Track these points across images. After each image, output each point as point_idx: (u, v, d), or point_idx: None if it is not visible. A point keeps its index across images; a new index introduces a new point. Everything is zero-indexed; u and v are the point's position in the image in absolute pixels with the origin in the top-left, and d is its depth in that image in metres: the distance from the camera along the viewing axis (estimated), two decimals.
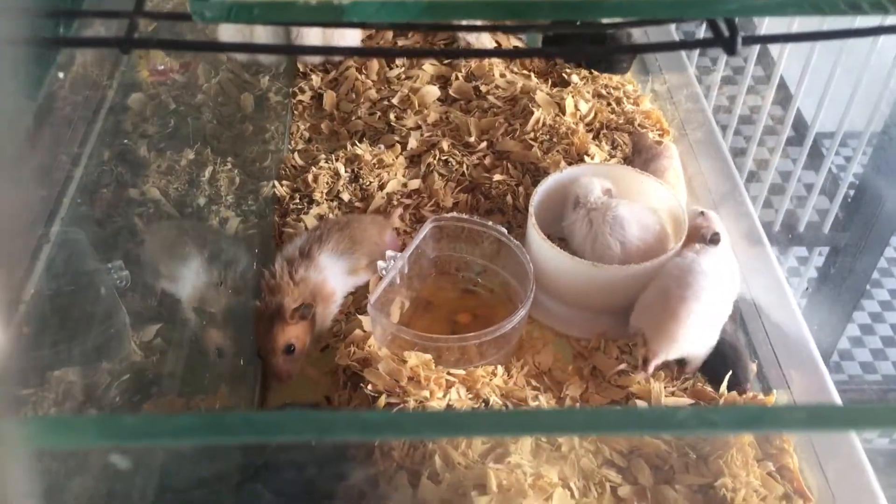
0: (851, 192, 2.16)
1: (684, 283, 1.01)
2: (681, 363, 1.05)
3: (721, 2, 0.41)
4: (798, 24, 1.61)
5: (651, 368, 1.01)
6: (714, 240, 1.06)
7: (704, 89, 1.56)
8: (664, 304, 1.01)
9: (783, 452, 0.94)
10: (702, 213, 1.12)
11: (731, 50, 0.44)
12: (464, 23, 1.03)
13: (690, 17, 0.51)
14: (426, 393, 0.97)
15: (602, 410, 0.72)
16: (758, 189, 2.04)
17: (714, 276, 1.03)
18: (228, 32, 1.23)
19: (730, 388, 1.02)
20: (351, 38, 1.39)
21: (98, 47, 1.22)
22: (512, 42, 1.54)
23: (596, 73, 1.44)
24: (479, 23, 1.11)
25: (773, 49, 2.24)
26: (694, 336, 1.01)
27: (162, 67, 1.36)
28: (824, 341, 1.12)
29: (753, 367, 1.06)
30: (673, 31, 1.59)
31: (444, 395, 0.98)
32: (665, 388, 1.02)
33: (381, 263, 1.07)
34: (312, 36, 1.35)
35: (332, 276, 1.07)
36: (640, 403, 1.00)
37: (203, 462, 0.90)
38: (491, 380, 1.02)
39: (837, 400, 1.04)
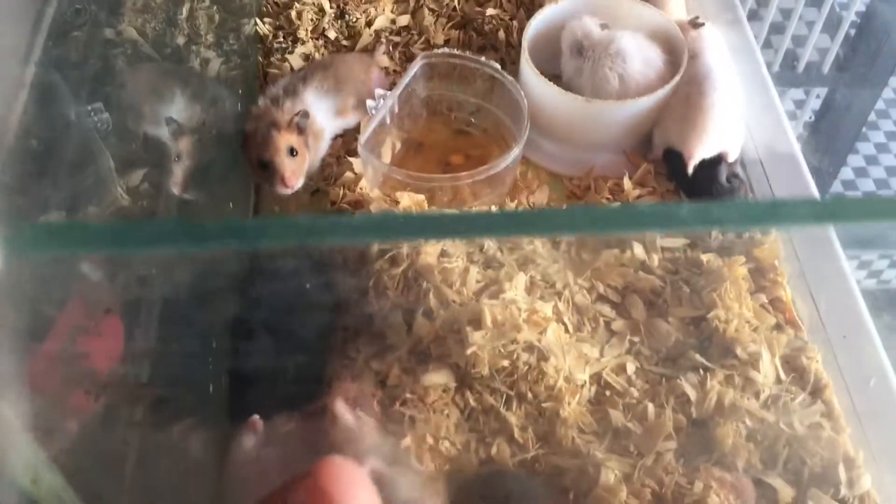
0: (853, 32, 2.09)
1: (697, 82, 1.05)
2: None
3: None
4: None
5: (690, 168, 1.02)
6: (696, 23, 1.11)
7: None
8: (687, 107, 1.04)
9: (776, 285, 0.94)
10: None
11: None
12: None
13: None
14: None
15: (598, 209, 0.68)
16: (758, 28, 1.97)
17: (720, 68, 1.07)
18: None
19: None
20: None
21: None
22: None
23: None
24: None
25: None
26: (723, 127, 1.03)
27: None
28: (819, 182, 1.10)
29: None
30: None
31: None
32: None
33: (370, 102, 1.04)
34: None
35: (319, 112, 1.03)
36: (636, 245, 1.00)
37: (194, 303, 0.90)
38: None
39: (834, 238, 1.04)
